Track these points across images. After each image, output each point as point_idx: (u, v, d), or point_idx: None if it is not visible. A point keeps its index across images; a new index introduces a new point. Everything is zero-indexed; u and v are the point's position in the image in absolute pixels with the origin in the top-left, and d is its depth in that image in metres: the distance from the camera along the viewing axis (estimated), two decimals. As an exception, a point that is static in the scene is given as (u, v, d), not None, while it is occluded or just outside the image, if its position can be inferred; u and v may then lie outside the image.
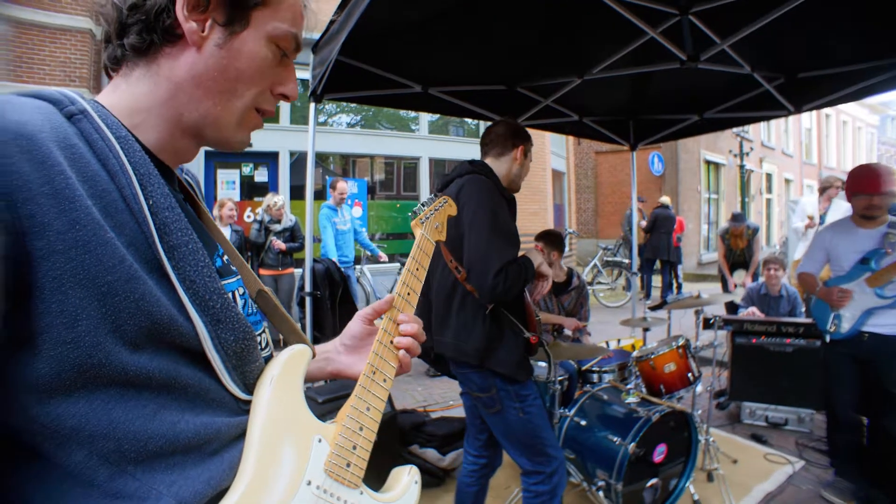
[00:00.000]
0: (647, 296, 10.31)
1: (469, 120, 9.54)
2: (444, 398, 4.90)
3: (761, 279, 4.90)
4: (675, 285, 10.81)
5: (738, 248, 6.69)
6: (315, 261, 5.37)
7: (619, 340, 4.59)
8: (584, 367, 3.58)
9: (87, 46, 7.41)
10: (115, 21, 0.70)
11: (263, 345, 0.82)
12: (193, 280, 0.65)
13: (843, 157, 25.93)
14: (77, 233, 0.55)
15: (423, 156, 9.92)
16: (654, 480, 2.83)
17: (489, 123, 2.46)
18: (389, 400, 3.33)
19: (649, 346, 3.56)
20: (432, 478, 3.26)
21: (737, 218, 6.86)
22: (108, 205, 0.59)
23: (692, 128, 4.66)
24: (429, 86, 3.54)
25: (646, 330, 3.85)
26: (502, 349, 2.05)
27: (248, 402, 0.71)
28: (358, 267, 6.46)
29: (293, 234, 6.18)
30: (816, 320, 3.27)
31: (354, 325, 0.97)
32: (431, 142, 10.17)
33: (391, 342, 0.88)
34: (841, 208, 5.44)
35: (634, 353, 3.51)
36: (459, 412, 2.59)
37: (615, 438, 2.75)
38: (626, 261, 6.85)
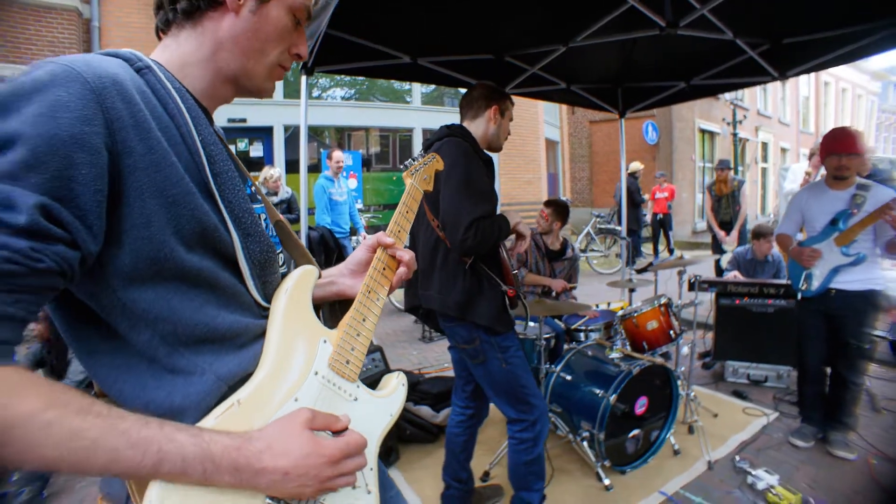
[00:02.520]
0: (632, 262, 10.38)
1: (463, 90, 9.48)
2: (437, 361, 5.07)
3: (748, 245, 5.02)
4: (667, 251, 11.00)
5: (723, 194, 6.74)
6: (310, 228, 5.48)
7: (608, 303, 4.74)
8: (571, 327, 3.73)
9: (75, 26, 7.36)
10: None
11: (281, 262, 0.99)
12: (231, 200, 0.83)
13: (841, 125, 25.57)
14: (153, 155, 0.72)
15: (416, 127, 9.95)
16: (635, 431, 2.98)
17: None
18: (384, 360, 3.49)
19: (634, 306, 3.69)
20: (427, 433, 3.42)
21: (722, 162, 6.97)
22: (171, 138, 0.76)
23: (679, 94, 4.71)
24: (418, 56, 3.60)
25: (632, 291, 3.99)
26: (482, 302, 2.17)
27: (268, 309, 0.89)
28: (355, 238, 6.55)
29: (290, 206, 6.25)
30: (791, 279, 3.42)
31: (359, 253, 1.10)
32: (425, 113, 10.20)
33: (384, 268, 1.03)
34: None
35: (619, 312, 3.65)
36: (452, 374, 2.74)
37: (598, 391, 2.89)
38: (619, 227, 6.93)
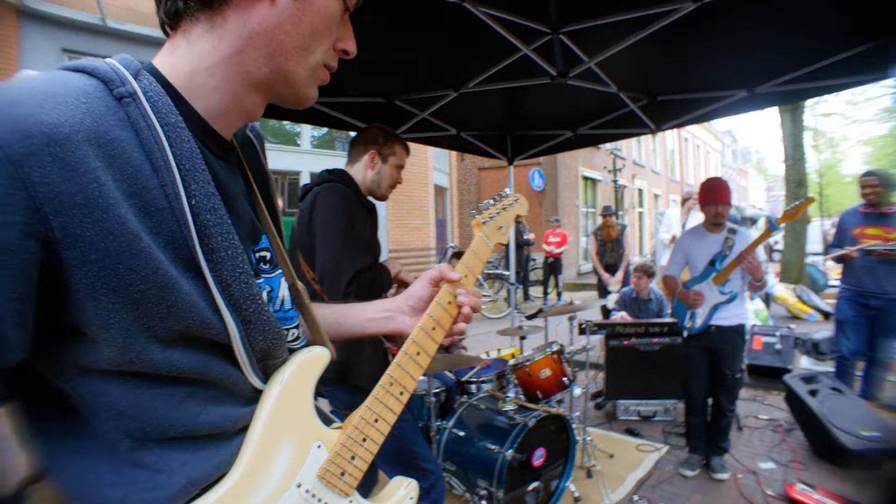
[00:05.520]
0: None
1: (354, 134, 9.51)
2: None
3: (632, 285, 5.34)
4: (556, 294, 11.48)
5: (610, 239, 7.23)
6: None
7: (499, 350, 4.77)
8: (462, 379, 3.67)
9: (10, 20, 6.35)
10: None
11: (292, 338, 0.84)
12: (229, 284, 0.67)
13: (698, 176, 29.57)
14: (110, 243, 0.56)
15: (304, 171, 9.79)
16: (535, 484, 2.95)
17: None
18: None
19: (525, 354, 3.73)
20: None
21: (607, 209, 7.51)
22: (149, 203, 0.60)
23: (566, 143, 5.05)
24: None
25: (522, 338, 4.03)
26: (363, 362, 2.05)
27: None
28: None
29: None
30: (677, 318, 3.75)
31: (419, 287, 0.98)
32: (315, 156, 10.07)
33: (417, 353, 0.88)
34: (697, 217, 6.28)
35: (511, 362, 3.67)
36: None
37: (494, 447, 2.84)
38: (507, 273, 7.13)
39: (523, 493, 2.90)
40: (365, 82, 3.49)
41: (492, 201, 1.08)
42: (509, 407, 3.11)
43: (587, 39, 3.06)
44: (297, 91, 0.77)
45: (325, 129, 10.42)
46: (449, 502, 3.15)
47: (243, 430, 0.72)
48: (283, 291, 0.85)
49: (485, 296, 11.33)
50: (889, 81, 2.82)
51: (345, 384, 2.05)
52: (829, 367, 4.92)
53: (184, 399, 0.65)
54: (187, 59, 0.69)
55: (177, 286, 0.61)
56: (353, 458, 0.79)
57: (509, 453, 2.75)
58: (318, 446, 0.76)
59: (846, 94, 19.31)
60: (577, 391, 4.05)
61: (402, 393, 0.86)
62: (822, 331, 6.12)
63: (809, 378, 4.03)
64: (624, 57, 3.16)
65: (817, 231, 15.90)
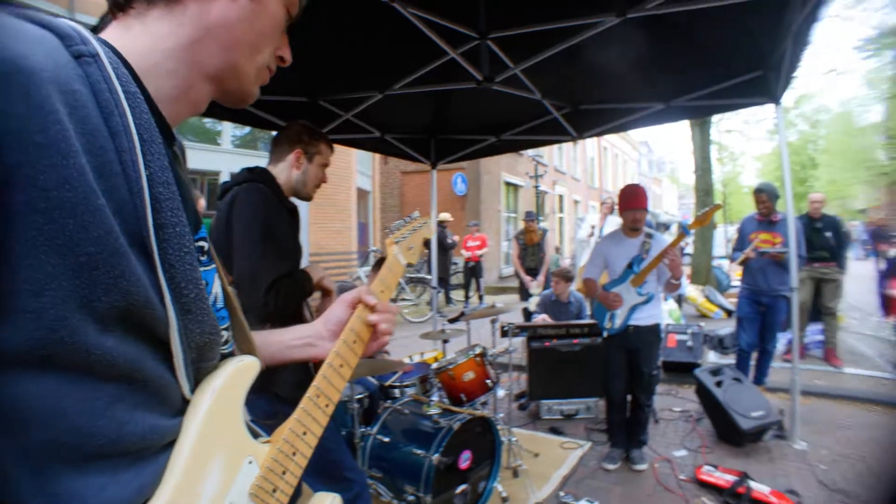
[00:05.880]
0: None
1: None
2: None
3: (552, 289, 5.50)
4: (478, 298, 11.68)
5: (533, 243, 7.42)
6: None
7: (422, 354, 4.77)
8: (385, 384, 3.62)
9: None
10: None
11: (223, 340, 0.77)
12: (173, 264, 0.61)
13: (617, 183, 31.07)
14: (65, 193, 0.49)
15: (225, 171, 9.41)
16: (463, 486, 2.96)
17: None
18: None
19: (448, 357, 3.74)
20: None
21: (530, 214, 7.72)
22: (104, 165, 0.54)
23: (490, 148, 5.18)
24: None
25: (445, 342, 4.04)
26: (285, 370, 1.95)
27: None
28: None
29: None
30: (597, 320, 3.90)
31: (338, 311, 0.97)
32: (236, 156, 9.69)
33: (340, 366, 0.88)
34: (614, 222, 6.60)
35: (434, 365, 3.68)
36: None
37: (419, 451, 2.82)
38: (429, 276, 7.15)
39: (451, 497, 2.90)
40: (288, 80, 3.42)
41: (403, 222, 1.15)
42: (434, 411, 3.10)
43: (514, 46, 3.14)
44: (244, 88, 0.78)
45: (247, 129, 10.11)
46: (377, 511, 3.10)
47: (169, 445, 0.63)
48: (217, 289, 0.80)
49: (407, 300, 11.33)
50: (771, 106, 3.42)
51: (265, 392, 1.96)
52: (732, 359, 5.34)
53: (111, 404, 0.55)
54: (143, 39, 0.67)
55: (127, 254, 0.55)
56: (284, 472, 0.76)
57: (435, 457, 2.73)
58: (250, 462, 0.72)
59: (743, 114, 21.34)
60: (501, 393, 4.13)
61: (327, 405, 0.86)
62: (726, 327, 6.68)
63: (716, 371, 4.34)
64: (549, 65, 3.28)
65: (721, 236, 17.23)
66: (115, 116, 0.56)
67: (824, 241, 5.97)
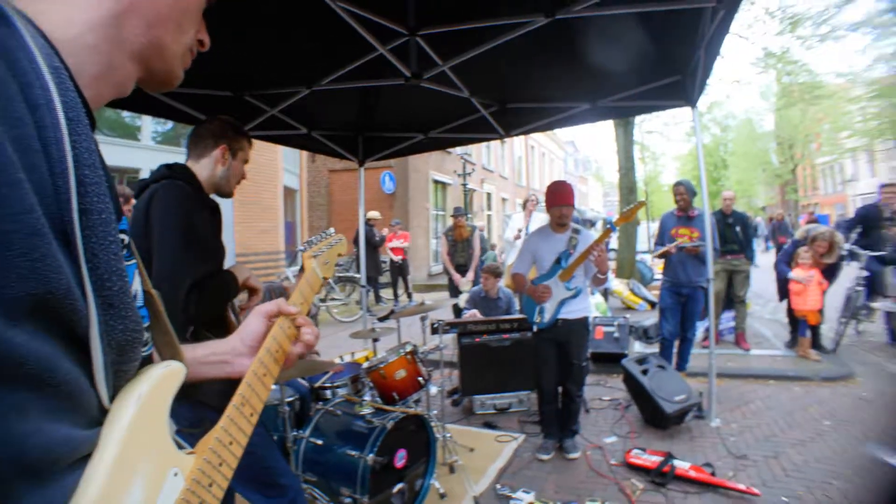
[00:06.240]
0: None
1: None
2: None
3: (480, 284, 5.58)
4: (406, 296, 11.79)
5: (462, 238, 7.49)
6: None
7: (353, 354, 4.72)
8: (316, 385, 3.55)
9: None
10: None
11: (144, 342, 0.70)
12: (97, 253, 0.55)
13: (544, 181, 31.94)
14: None
15: (144, 168, 8.91)
16: (400, 485, 2.95)
17: None
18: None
19: (379, 356, 3.70)
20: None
21: (458, 210, 7.81)
22: (22, 138, 0.47)
23: (418, 145, 5.19)
24: None
25: (375, 340, 4.01)
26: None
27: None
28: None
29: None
30: (527, 314, 3.97)
31: (254, 324, 0.94)
32: (157, 153, 9.18)
33: (264, 375, 0.86)
34: (539, 219, 6.85)
35: (365, 365, 3.64)
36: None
37: (354, 452, 2.78)
38: (359, 276, 7.08)
39: (389, 496, 2.88)
40: (212, 74, 3.29)
41: (319, 238, 1.19)
42: (366, 410, 3.07)
43: (443, 44, 3.16)
44: (170, 68, 0.75)
45: (170, 125, 9.63)
46: (315, 517, 3.03)
47: (83, 460, 0.55)
48: (137, 286, 0.73)
49: (336, 299, 11.18)
50: (688, 109, 3.73)
51: (188, 400, 1.86)
52: (656, 348, 5.61)
53: (10, 411, 0.46)
54: (62, 10, 0.61)
55: (48, 237, 0.48)
56: (210, 484, 0.72)
57: (370, 457, 2.71)
58: (175, 474, 0.67)
59: (663, 116, 22.62)
60: (434, 390, 4.14)
61: (252, 414, 0.83)
62: (650, 318, 7.02)
63: (641, 360, 4.56)
64: (478, 64, 3.32)
65: (644, 232, 18.19)
66: (35, 89, 0.50)
67: (735, 235, 6.50)
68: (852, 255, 6.62)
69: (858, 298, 6.62)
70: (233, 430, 0.79)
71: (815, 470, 3.48)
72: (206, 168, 2.06)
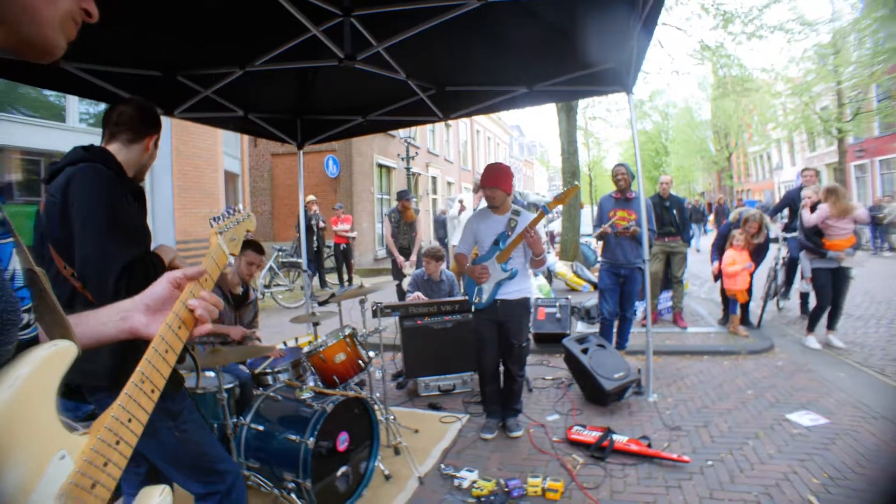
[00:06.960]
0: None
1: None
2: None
3: (423, 268, 5.62)
4: (347, 279, 11.91)
5: (411, 220, 7.53)
6: None
7: (296, 339, 4.69)
8: (257, 371, 3.52)
9: None
10: None
11: (23, 323, 0.68)
12: None
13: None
14: None
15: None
16: (343, 468, 2.97)
17: None
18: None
19: (319, 341, 3.70)
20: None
21: (405, 193, 7.78)
22: None
23: (357, 128, 5.16)
24: (66, 59, 3.01)
25: (316, 325, 3.99)
26: (99, 357, 1.81)
27: None
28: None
29: None
30: (467, 294, 4.04)
31: (158, 288, 0.94)
32: (85, 135, 8.61)
33: (165, 351, 0.85)
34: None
35: (305, 349, 3.63)
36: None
37: (295, 437, 2.79)
38: (301, 261, 7.02)
39: (333, 480, 2.90)
40: (141, 52, 3.17)
41: (226, 213, 1.18)
42: (306, 395, 3.07)
43: (378, 25, 3.15)
44: (44, 34, 0.69)
45: (101, 106, 9.06)
46: (258, 502, 3.01)
47: None
48: (15, 265, 0.71)
49: (281, 285, 11.02)
50: (623, 94, 3.85)
51: (118, 390, 1.81)
52: (597, 328, 5.82)
53: None
54: None
55: None
56: (105, 464, 0.70)
57: (311, 441, 2.72)
58: (62, 457, 0.65)
59: (605, 103, 23.08)
60: (378, 374, 4.16)
61: (153, 391, 0.82)
62: (592, 299, 7.27)
63: (581, 339, 4.71)
64: (414, 46, 3.33)
65: (588, 215, 18.66)
66: None
67: (672, 217, 6.81)
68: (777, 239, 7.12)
69: (777, 277, 7.22)
70: (132, 407, 0.77)
71: (736, 435, 3.74)
72: (133, 153, 2.01)
